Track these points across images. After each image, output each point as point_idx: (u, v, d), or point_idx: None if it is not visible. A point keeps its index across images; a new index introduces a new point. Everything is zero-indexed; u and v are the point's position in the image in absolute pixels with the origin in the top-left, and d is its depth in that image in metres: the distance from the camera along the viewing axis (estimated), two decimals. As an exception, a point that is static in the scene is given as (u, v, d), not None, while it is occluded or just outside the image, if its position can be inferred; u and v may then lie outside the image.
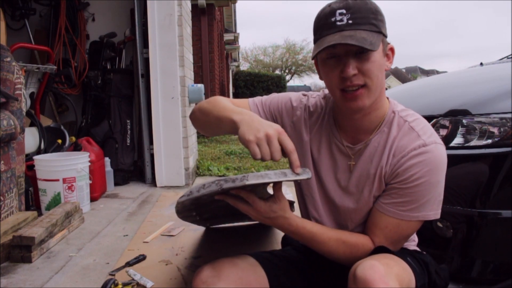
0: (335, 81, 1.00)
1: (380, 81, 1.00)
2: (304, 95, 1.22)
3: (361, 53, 0.96)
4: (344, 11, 0.96)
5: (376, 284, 0.88)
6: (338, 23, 0.96)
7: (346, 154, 1.11)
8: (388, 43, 1.03)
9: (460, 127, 1.52)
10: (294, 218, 1.04)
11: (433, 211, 1.04)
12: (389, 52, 1.04)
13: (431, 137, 1.03)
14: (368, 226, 1.09)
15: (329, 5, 1.00)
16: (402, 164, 1.02)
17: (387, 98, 1.11)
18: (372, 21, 0.97)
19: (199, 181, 3.94)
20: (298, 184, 1.23)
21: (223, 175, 4.17)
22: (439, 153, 1.02)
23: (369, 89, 0.99)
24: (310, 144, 1.17)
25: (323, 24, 0.99)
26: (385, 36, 1.01)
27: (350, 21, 0.96)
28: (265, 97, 1.27)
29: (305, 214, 1.23)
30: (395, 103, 1.11)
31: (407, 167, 1.02)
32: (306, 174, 0.98)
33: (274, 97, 1.24)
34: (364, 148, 1.08)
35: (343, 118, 1.11)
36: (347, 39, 0.94)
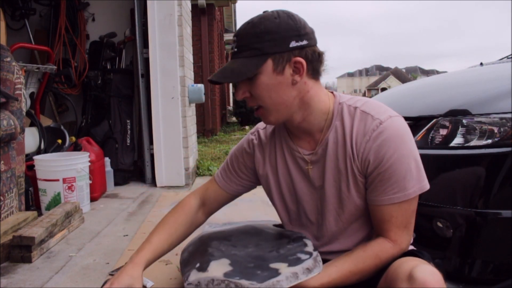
0: None
1: (276, 99, 1.03)
2: (252, 133, 1.26)
3: (249, 78, 1.01)
4: (235, 38, 1.03)
5: None
6: (231, 51, 1.05)
7: (311, 161, 1.12)
8: (295, 57, 1.00)
9: (460, 127, 1.52)
10: None
11: (424, 182, 1.04)
12: (297, 65, 1.01)
13: (385, 113, 1.04)
14: (377, 226, 1.08)
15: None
16: (369, 149, 1.02)
17: (332, 92, 1.12)
18: (254, 45, 0.99)
19: (199, 181, 3.94)
20: (278, 212, 1.26)
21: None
22: (398, 124, 1.03)
23: (266, 109, 1.05)
24: (278, 171, 1.18)
25: None
26: (282, 52, 0.99)
27: (235, 49, 1.03)
28: (225, 162, 1.32)
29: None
30: (340, 95, 1.12)
31: (375, 150, 1.02)
32: (317, 269, 0.99)
33: (232, 155, 1.30)
34: (326, 148, 1.08)
35: (291, 127, 1.14)
36: (217, 74, 1.04)
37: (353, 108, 1.07)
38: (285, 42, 0.99)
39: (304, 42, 1.01)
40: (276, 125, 1.15)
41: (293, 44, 1.00)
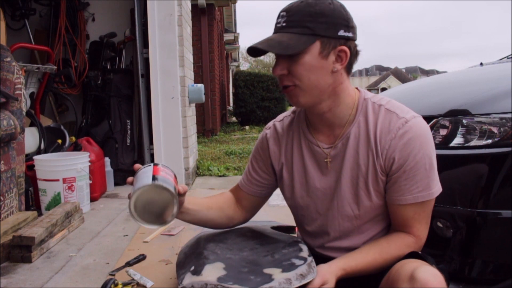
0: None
1: (314, 82, 1.02)
2: (267, 127, 1.25)
3: (291, 55, 1.00)
4: (284, 13, 1.02)
5: None
6: (277, 25, 1.03)
7: (329, 155, 1.12)
8: (340, 45, 1.01)
9: (460, 127, 1.52)
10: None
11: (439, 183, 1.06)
12: (341, 54, 1.02)
13: (409, 113, 1.06)
14: (398, 223, 1.08)
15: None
16: (394, 146, 1.03)
17: (357, 88, 1.13)
18: (307, 24, 0.99)
19: (199, 181, 3.94)
20: (289, 205, 1.25)
21: (223, 175, 4.18)
22: (422, 124, 1.05)
23: (300, 89, 1.03)
24: (293, 164, 1.17)
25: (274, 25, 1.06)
26: (331, 37, 1.00)
27: (284, 24, 1.02)
28: (247, 167, 1.29)
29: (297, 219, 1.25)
30: (365, 92, 1.13)
31: (400, 148, 1.03)
32: (311, 274, 0.99)
33: (251, 157, 1.28)
34: (346, 142, 1.09)
35: (313, 118, 1.13)
36: (263, 43, 1.01)
37: (377, 106, 1.08)
38: (335, 28, 1.00)
39: (350, 34, 1.02)
40: (303, 107, 1.12)
41: (341, 32, 1.01)
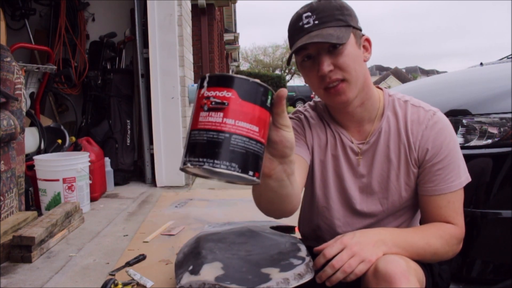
0: (316, 81, 1.03)
1: (359, 72, 1.02)
2: (299, 112, 1.20)
3: (333, 49, 0.99)
4: (309, 13, 1.01)
5: (398, 279, 0.86)
6: (306, 26, 1.01)
7: (361, 151, 1.11)
8: (363, 35, 1.06)
9: (460, 127, 1.52)
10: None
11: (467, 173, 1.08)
12: (366, 43, 1.07)
13: (433, 107, 1.10)
14: (433, 216, 1.07)
15: (296, 12, 1.05)
16: (427, 136, 1.05)
17: (378, 86, 1.14)
18: (338, 17, 1.00)
19: (199, 181, 3.94)
20: (311, 193, 1.19)
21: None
22: (446, 117, 1.10)
23: (349, 82, 1.02)
24: (327, 156, 1.14)
25: (293, 30, 1.03)
26: (357, 28, 1.03)
27: (316, 22, 1.00)
28: None
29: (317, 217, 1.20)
30: (387, 90, 1.15)
31: (433, 137, 1.05)
32: (309, 274, 0.99)
33: None
34: (378, 138, 1.09)
35: (341, 116, 1.12)
36: (314, 38, 0.98)
37: (403, 102, 1.11)
38: (356, 20, 1.04)
39: (361, 28, 1.06)
40: (351, 102, 1.06)
41: (358, 24, 1.05)
